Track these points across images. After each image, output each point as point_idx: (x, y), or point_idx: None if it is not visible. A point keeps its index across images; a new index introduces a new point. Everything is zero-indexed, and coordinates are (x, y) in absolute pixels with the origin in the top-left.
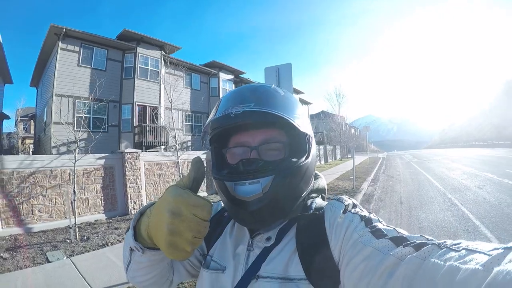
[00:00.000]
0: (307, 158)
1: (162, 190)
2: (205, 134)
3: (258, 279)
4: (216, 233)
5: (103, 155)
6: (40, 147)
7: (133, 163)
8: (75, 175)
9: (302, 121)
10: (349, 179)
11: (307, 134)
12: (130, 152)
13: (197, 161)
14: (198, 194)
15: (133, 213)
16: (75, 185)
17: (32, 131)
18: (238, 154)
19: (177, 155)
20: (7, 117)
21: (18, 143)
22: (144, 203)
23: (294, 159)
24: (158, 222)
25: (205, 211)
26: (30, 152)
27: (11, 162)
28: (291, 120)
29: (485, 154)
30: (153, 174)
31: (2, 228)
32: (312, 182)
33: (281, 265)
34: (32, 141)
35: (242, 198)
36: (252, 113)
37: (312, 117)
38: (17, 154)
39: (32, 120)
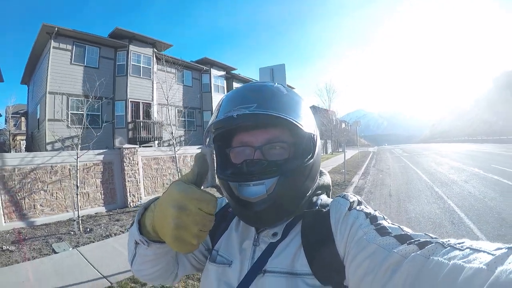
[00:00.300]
0: (311, 157)
1: (159, 184)
2: (208, 134)
3: (265, 273)
4: (221, 228)
5: (102, 151)
6: (33, 144)
7: (131, 158)
8: (77, 170)
9: (306, 120)
10: (340, 173)
11: (311, 134)
12: (128, 148)
13: (200, 157)
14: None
15: (132, 206)
16: (77, 180)
17: (23, 128)
18: (242, 154)
19: (175, 150)
20: None
21: (9, 140)
22: (143, 196)
23: (299, 159)
24: (164, 216)
25: (210, 205)
26: (23, 148)
27: (12, 159)
28: (294, 121)
29: (474, 149)
30: (150, 168)
31: (5, 222)
32: (317, 179)
33: (287, 260)
34: (23, 137)
35: (247, 199)
36: (253, 115)
37: None
38: (9, 150)
39: (23, 117)
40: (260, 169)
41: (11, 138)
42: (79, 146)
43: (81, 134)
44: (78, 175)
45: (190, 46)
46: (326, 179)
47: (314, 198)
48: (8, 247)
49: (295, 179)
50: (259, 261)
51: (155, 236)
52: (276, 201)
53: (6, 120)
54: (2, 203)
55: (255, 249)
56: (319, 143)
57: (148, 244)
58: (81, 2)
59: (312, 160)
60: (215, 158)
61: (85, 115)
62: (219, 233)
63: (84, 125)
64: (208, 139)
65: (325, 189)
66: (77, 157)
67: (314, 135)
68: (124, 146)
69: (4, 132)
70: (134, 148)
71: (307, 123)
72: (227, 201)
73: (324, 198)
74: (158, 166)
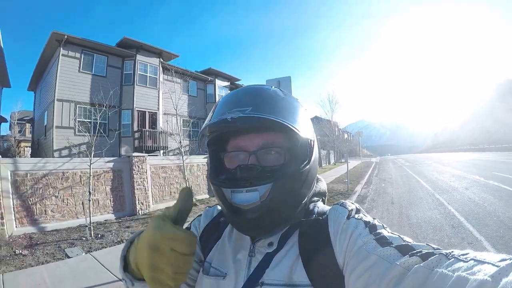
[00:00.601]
0: (308, 163)
1: (166, 192)
2: (202, 137)
3: (262, 286)
4: (213, 239)
5: (112, 158)
6: (39, 151)
7: (140, 166)
8: (90, 176)
9: (303, 126)
10: (343, 182)
11: (308, 139)
12: (137, 156)
13: (184, 192)
14: (195, 200)
15: (140, 214)
16: (90, 186)
17: (28, 135)
18: (236, 159)
19: (183, 159)
20: (5, 120)
21: (14, 146)
22: (151, 204)
23: (295, 165)
24: (141, 256)
25: (184, 245)
26: (27, 155)
27: (25, 164)
28: (290, 126)
29: (476, 158)
30: (158, 177)
31: (16, 227)
32: (314, 186)
33: (285, 271)
34: (27, 144)
35: (239, 206)
36: (248, 118)
37: None
38: (14, 157)
39: (28, 124)
40: (254, 175)
41: (16, 144)
42: (92, 153)
43: (95, 142)
44: (91, 181)
45: (194, 56)
46: (322, 185)
47: (311, 206)
48: (21, 251)
49: (290, 185)
50: (255, 272)
51: (140, 274)
52: (270, 209)
53: (10, 126)
54: (14, 207)
55: (251, 260)
56: (316, 149)
57: (132, 284)
58: (88, 10)
59: (309, 166)
60: (209, 163)
61: (98, 123)
62: (211, 244)
63: (97, 132)
64: (202, 143)
65: (321, 195)
66: (90, 164)
67: (311, 140)
68: (133, 154)
69: (9, 138)
70: (143, 156)
71: (304, 128)
72: (218, 211)
73: (321, 206)
74: (166, 175)
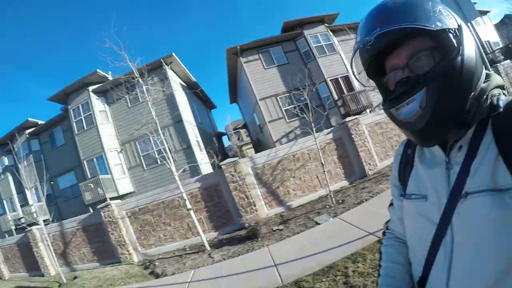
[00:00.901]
0: (458, 53)
1: (388, 147)
2: (357, 71)
3: (467, 196)
4: (407, 171)
5: (330, 129)
6: (261, 146)
7: (357, 129)
8: (319, 150)
9: (435, 19)
10: None
11: (447, 29)
12: (351, 120)
13: None
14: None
15: (370, 174)
16: (322, 159)
17: (245, 139)
18: (394, 78)
19: None
20: (223, 134)
21: (238, 152)
22: (377, 163)
23: (444, 61)
24: None
25: None
26: (253, 154)
27: (260, 158)
28: (415, 26)
29: None
30: (376, 134)
31: (267, 210)
32: (482, 78)
33: (487, 176)
34: (248, 146)
35: (406, 120)
36: (378, 38)
37: (497, 26)
38: None
39: (242, 129)
40: (410, 86)
41: (239, 150)
42: (314, 129)
43: (312, 119)
44: (320, 155)
45: (352, 5)
46: (497, 78)
47: (494, 99)
48: (277, 227)
49: (445, 82)
50: (456, 184)
51: None
52: (434, 112)
53: (228, 137)
54: (261, 195)
55: (449, 173)
56: (467, 37)
57: None
58: (236, 15)
59: (460, 57)
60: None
61: (309, 101)
62: (407, 177)
63: (311, 110)
64: (360, 78)
65: (500, 88)
66: (315, 138)
67: (454, 29)
68: (347, 120)
69: (232, 147)
70: (356, 118)
71: (437, 21)
72: (403, 146)
73: (504, 98)
74: (382, 130)
